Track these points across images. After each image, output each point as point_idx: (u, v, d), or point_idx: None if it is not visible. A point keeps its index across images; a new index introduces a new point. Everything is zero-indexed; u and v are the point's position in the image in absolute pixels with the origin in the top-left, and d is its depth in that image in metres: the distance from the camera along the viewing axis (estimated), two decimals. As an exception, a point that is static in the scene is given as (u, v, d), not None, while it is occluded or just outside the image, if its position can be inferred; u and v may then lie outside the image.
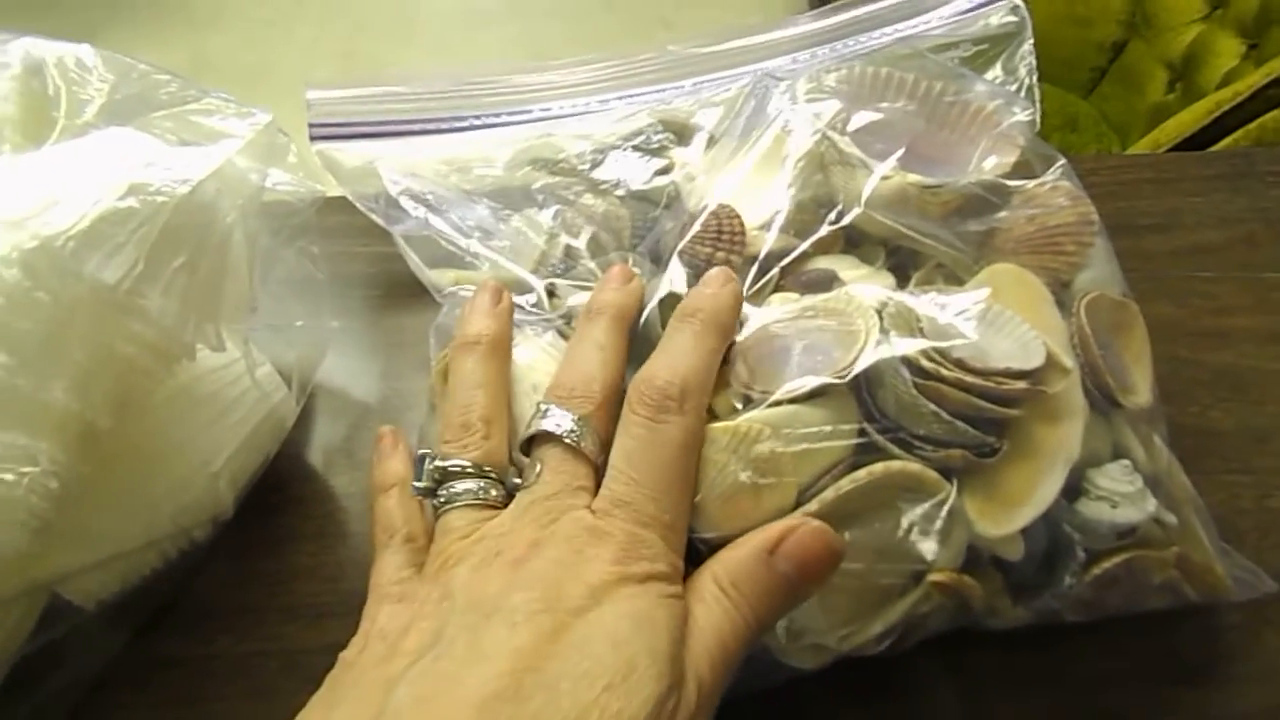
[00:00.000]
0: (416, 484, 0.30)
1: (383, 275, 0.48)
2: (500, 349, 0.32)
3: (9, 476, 0.26)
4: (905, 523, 0.30)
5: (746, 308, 0.34)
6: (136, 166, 0.29)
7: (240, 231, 0.32)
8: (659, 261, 0.37)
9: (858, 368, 0.30)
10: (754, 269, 0.34)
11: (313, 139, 0.42)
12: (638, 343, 0.33)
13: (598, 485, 0.28)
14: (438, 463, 0.29)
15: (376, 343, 0.45)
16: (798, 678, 0.32)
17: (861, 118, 0.37)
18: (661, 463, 0.28)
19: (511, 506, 0.28)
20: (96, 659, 0.34)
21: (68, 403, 0.27)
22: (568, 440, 0.28)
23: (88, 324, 0.27)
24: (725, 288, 0.32)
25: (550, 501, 0.27)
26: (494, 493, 0.29)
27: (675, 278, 0.34)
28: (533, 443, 0.30)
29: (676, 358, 0.30)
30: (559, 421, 0.29)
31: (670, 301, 0.34)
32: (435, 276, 0.40)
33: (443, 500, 0.29)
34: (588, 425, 0.29)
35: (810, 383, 0.30)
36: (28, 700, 0.32)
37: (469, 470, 0.29)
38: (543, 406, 0.30)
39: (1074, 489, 0.31)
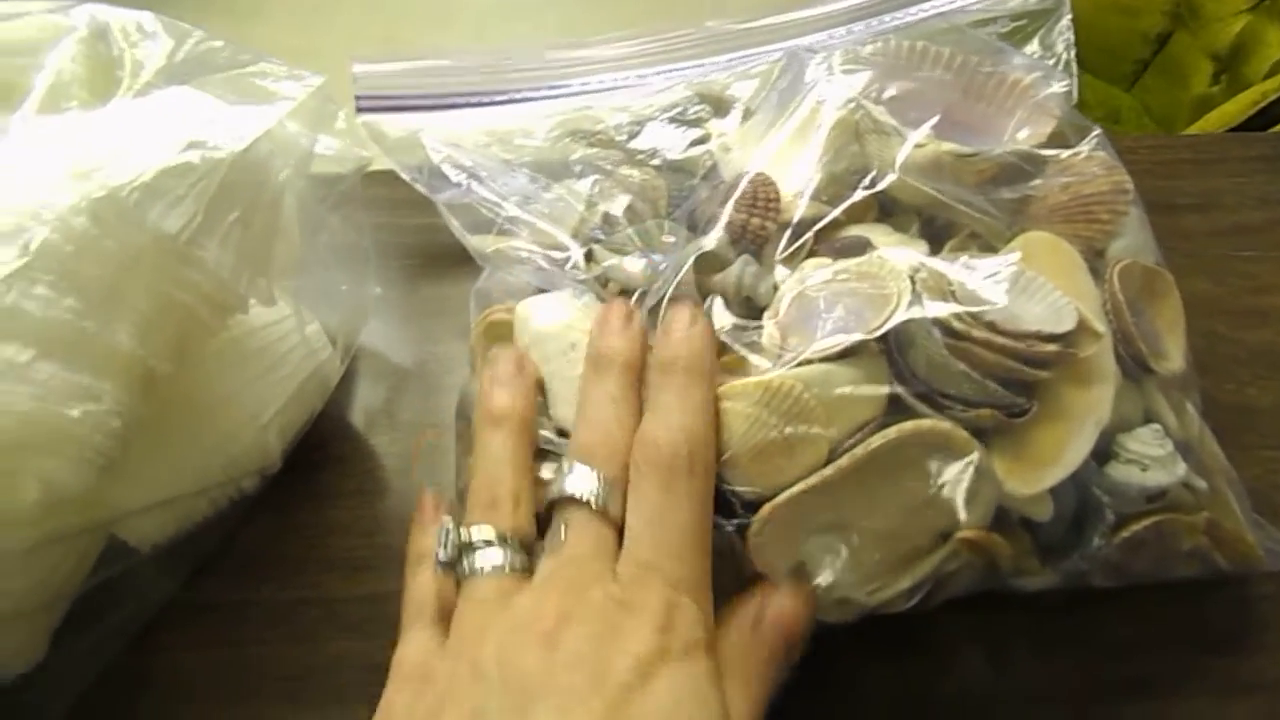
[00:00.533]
0: (440, 552, 0.29)
1: (423, 246, 0.49)
2: (526, 427, 0.31)
3: (76, 413, 0.27)
4: (934, 481, 0.30)
5: (779, 271, 0.34)
6: (195, 124, 0.30)
7: (291, 192, 0.33)
8: (695, 229, 0.38)
9: (889, 327, 0.31)
10: (788, 234, 0.35)
11: (359, 111, 0.44)
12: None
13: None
14: (462, 534, 0.29)
15: (416, 310, 0.47)
16: (826, 632, 0.32)
17: (896, 87, 0.37)
18: (680, 525, 0.27)
19: (537, 575, 0.27)
20: (150, 601, 0.36)
21: (131, 346, 0.28)
22: (593, 504, 0.28)
23: (150, 272, 0.29)
24: (694, 327, 0.31)
25: (577, 568, 0.27)
26: (519, 563, 0.28)
27: (712, 239, 0.35)
28: (556, 505, 0.29)
29: (673, 416, 0.29)
30: (584, 483, 0.28)
31: (705, 259, 0.34)
32: (476, 242, 0.40)
33: (467, 571, 0.28)
34: (613, 488, 0.28)
35: (842, 341, 0.31)
36: (87, 636, 0.34)
37: (493, 541, 0.28)
38: (566, 466, 0.29)
39: (1104, 453, 0.32)
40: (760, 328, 0.33)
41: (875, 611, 0.32)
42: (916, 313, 0.31)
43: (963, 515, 0.30)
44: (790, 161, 0.37)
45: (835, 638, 0.33)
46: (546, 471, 0.30)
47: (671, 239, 0.38)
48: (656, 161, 0.42)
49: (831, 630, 0.32)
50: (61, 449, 0.28)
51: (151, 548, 0.34)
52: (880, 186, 0.35)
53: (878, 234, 0.36)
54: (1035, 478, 0.30)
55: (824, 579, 0.31)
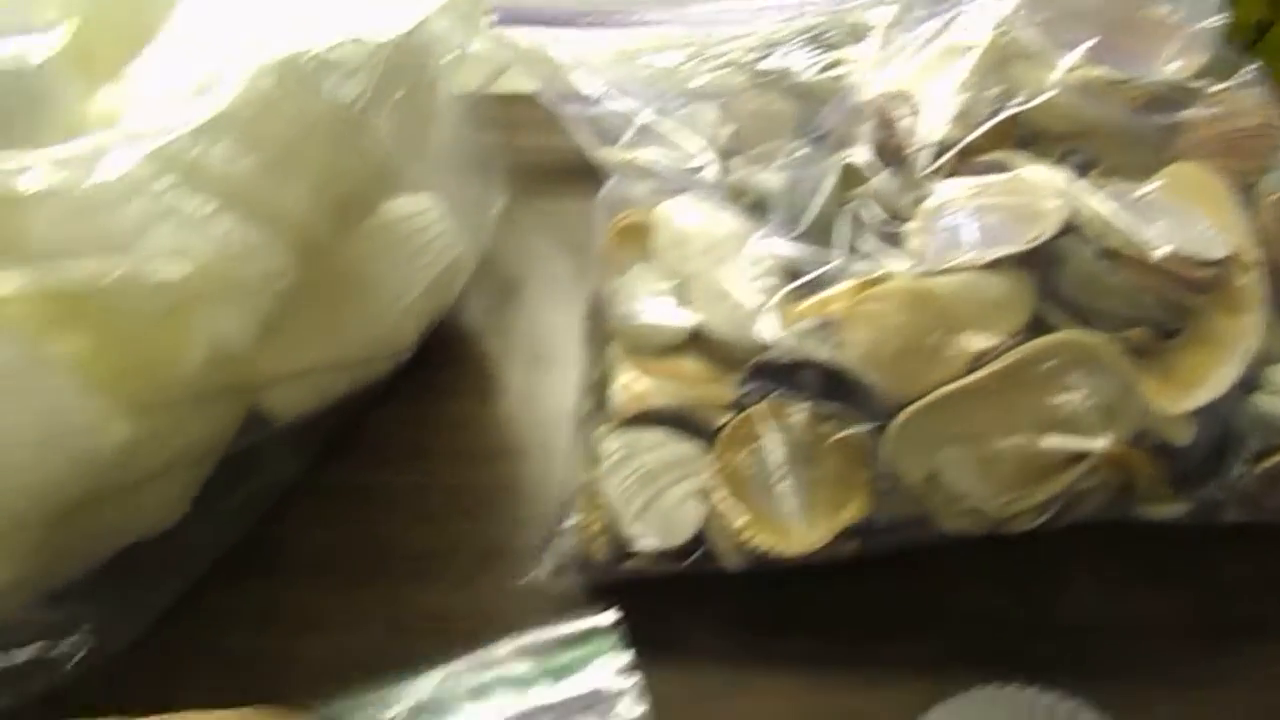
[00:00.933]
0: None
1: (536, 165, 0.49)
2: None
3: (250, 269, 0.29)
4: (1077, 396, 0.30)
5: (923, 187, 0.34)
6: (366, 2, 0.31)
7: (444, 83, 0.34)
8: (829, 149, 0.38)
9: (1042, 240, 0.30)
10: (930, 153, 0.35)
11: (494, 23, 0.44)
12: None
13: None
14: None
15: (528, 225, 0.47)
16: (948, 546, 0.32)
17: (1046, 12, 0.37)
18: None
19: None
20: (281, 476, 0.37)
21: (303, 209, 0.29)
22: None
23: (324, 139, 0.29)
24: None
25: None
26: None
27: (856, 153, 0.35)
28: None
29: None
30: None
31: (847, 174, 0.35)
32: (603, 154, 0.41)
33: None
34: None
35: (992, 254, 0.31)
36: (224, 503, 0.35)
37: None
38: None
39: (1249, 383, 0.31)
40: (905, 236, 0.33)
41: (1001, 528, 0.32)
42: (1070, 229, 0.31)
43: (1104, 431, 0.30)
44: (933, 84, 0.37)
45: (957, 556, 0.33)
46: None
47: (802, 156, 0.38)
48: (786, 84, 0.42)
49: (954, 543, 0.32)
50: (233, 303, 0.29)
51: (289, 422, 0.35)
52: (1031, 105, 0.34)
53: (1018, 160, 0.36)
54: (1181, 398, 0.30)
55: (957, 488, 0.31)
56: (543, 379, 0.42)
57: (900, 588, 0.34)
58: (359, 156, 0.30)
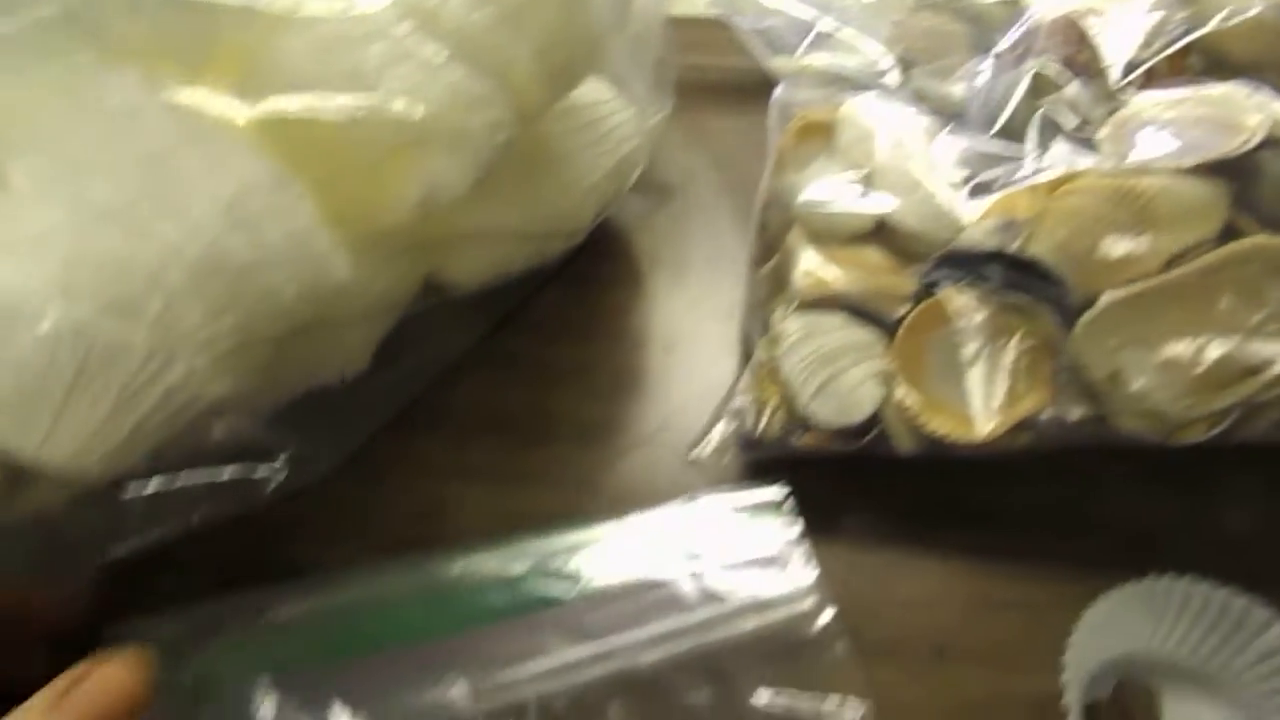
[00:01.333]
0: None
1: (701, 82, 0.50)
2: None
3: (475, 120, 0.30)
4: (1269, 304, 0.30)
5: (1114, 100, 0.35)
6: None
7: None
8: (1009, 64, 0.38)
9: (1248, 148, 0.31)
10: (1118, 70, 0.35)
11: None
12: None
13: None
14: None
15: (690, 138, 0.48)
16: (1116, 450, 0.32)
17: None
18: None
19: None
20: (453, 344, 0.38)
21: (527, 70, 0.30)
22: None
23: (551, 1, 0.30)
24: None
25: None
26: None
27: (1042, 66, 0.35)
28: None
29: None
30: None
31: (1039, 83, 0.35)
32: (777, 62, 0.42)
33: None
34: None
35: (1193, 158, 0.31)
36: (403, 359, 0.36)
37: None
38: None
39: None
40: (1098, 142, 0.33)
41: (1175, 436, 0.32)
42: (1273, 142, 0.31)
43: (1296, 340, 0.30)
44: (1123, 3, 0.37)
45: (1122, 458, 0.33)
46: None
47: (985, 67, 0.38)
48: (957, 6, 0.42)
49: (1123, 448, 0.32)
50: (455, 151, 0.30)
51: (464, 294, 0.36)
52: (1232, 23, 0.34)
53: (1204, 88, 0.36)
54: (1380, 312, 0.30)
55: (1139, 387, 0.31)
56: (690, 281, 0.43)
57: (1064, 488, 0.34)
58: (579, 27, 0.31)
